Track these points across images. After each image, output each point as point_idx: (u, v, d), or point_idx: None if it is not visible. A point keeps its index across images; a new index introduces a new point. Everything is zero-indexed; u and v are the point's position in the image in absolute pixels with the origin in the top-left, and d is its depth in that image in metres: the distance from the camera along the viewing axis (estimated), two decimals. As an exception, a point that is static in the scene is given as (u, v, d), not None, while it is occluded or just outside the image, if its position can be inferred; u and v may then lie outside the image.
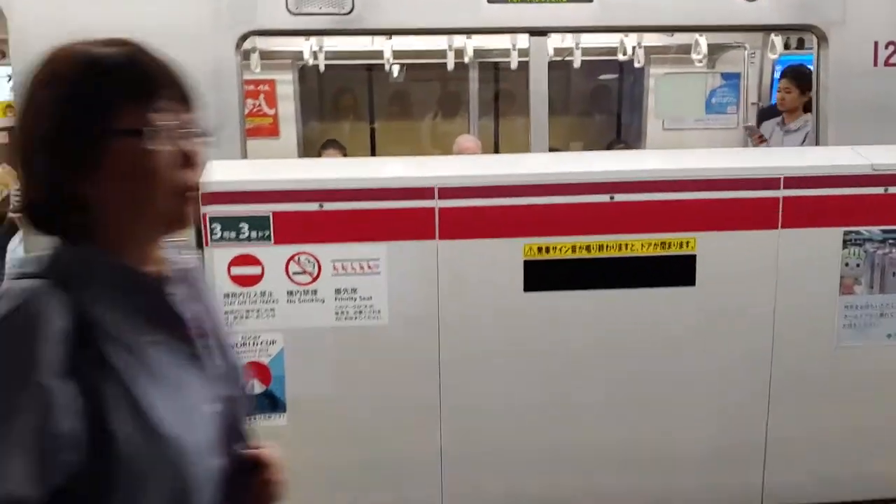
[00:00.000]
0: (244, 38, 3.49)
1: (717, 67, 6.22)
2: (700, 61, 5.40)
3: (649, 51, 5.97)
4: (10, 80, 6.21)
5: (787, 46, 5.85)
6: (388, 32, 4.70)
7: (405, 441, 2.94)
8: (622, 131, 7.16)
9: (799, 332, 2.98)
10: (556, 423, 2.97)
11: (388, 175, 2.92)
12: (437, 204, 2.80)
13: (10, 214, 4.02)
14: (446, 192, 2.80)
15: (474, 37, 5.51)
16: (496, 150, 6.92)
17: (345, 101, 7.38)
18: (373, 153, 7.04)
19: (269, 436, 2.64)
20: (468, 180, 2.83)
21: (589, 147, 6.87)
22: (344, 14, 3.46)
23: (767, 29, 4.61)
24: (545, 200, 2.85)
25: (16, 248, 3.99)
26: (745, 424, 3.03)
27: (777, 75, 5.83)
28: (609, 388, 2.98)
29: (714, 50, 6.26)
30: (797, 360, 2.99)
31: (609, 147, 6.63)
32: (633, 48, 5.65)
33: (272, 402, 2.89)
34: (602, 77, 7.29)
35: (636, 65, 5.87)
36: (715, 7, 3.58)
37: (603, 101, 7.50)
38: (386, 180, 2.84)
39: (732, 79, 6.13)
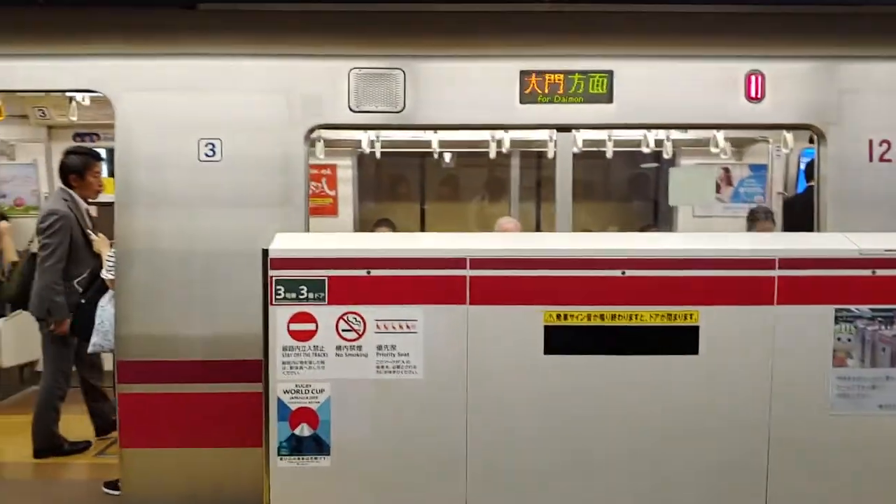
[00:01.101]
0: (312, 130, 4.02)
1: (746, 159, 6.62)
2: (722, 154, 5.81)
3: (679, 143, 6.41)
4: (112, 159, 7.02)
5: (811, 141, 6.20)
6: (434, 128, 5.22)
7: (434, 486, 3.25)
8: (658, 217, 7.53)
9: (795, 400, 3.23)
10: (572, 474, 3.25)
11: (426, 247, 3.32)
12: (468, 273, 3.20)
13: (104, 275, 4.56)
14: (476, 263, 3.20)
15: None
16: (537, 231, 7.35)
17: (398, 185, 7.98)
18: (422, 231, 7.54)
19: (315, 476, 3.06)
20: (495, 253, 3.23)
21: (624, 230, 7.25)
22: (397, 112, 3.99)
23: (770, 127, 4.98)
24: (564, 273, 3.21)
25: (105, 304, 4.51)
26: (745, 484, 3.26)
27: (803, 167, 6.19)
28: (619, 444, 3.26)
29: (742, 143, 6.68)
30: (793, 425, 3.23)
31: (641, 230, 7.01)
32: (662, 141, 6.08)
33: (318, 445, 3.25)
34: (643, 166, 7.72)
35: (665, 156, 6.30)
36: (721, 107, 3.98)
37: (642, 188, 7.91)
38: (424, 251, 3.25)
39: (759, 170, 6.52)
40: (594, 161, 6.99)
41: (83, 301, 4.78)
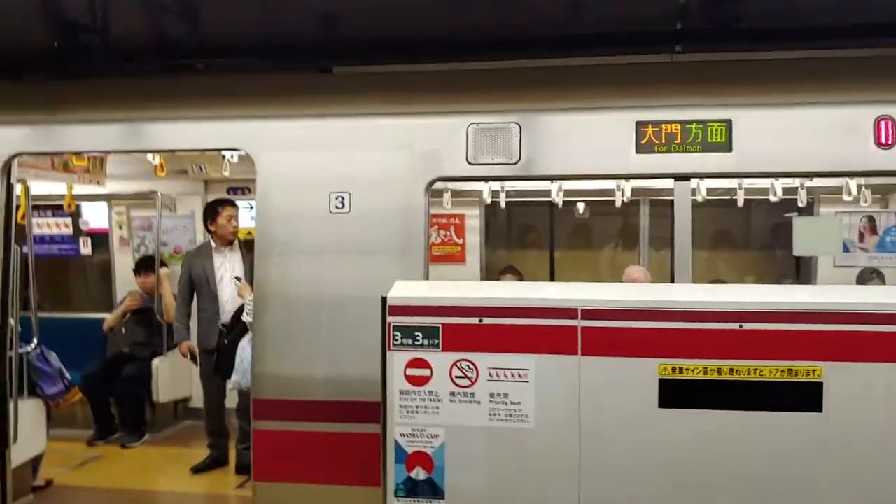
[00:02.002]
0: (432, 183, 4.20)
1: (891, 206, 6.25)
2: (862, 202, 5.51)
3: (817, 191, 6.15)
4: (252, 210, 7.60)
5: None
6: (550, 178, 5.29)
7: None
8: (800, 267, 7.21)
9: None
10: (686, 532, 3.17)
11: (538, 296, 3.37)
12: (579, 323, 3.22)
13: (244, 318, 4.92)
14: (588, 314, 3.22)
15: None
16: (672, 282, 7.20)
17: (527, 233, 8.08)
18: (552, 279, 7.58)
19: (430, 520, 3.14)
20: (607, 304, 3.23)
21: (760, 282, 7.00)
22: (513, 164, 4.11)
23: None
24: (678, 325, 3.17)
25: (245, 345, 4.85)
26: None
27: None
28: (738, 501, 3.15)
29: (888, 189, 6.32)
30: None
31: (777, 281, 6.74)
32: (798, 189, 5.87)
33: (433, 489, 3.32)
34: (787, 214, 7.44)
35: (800, 204, 6.06)
36: (848, 154, 3.84)
37: (784, 237, 7.60)
38: (535, 300, 3.29)
39: (908, 217, 6.14)
40: (732, 210, 6.82)
41: (226, 342, 5.16)
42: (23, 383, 5.19)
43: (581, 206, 7.50)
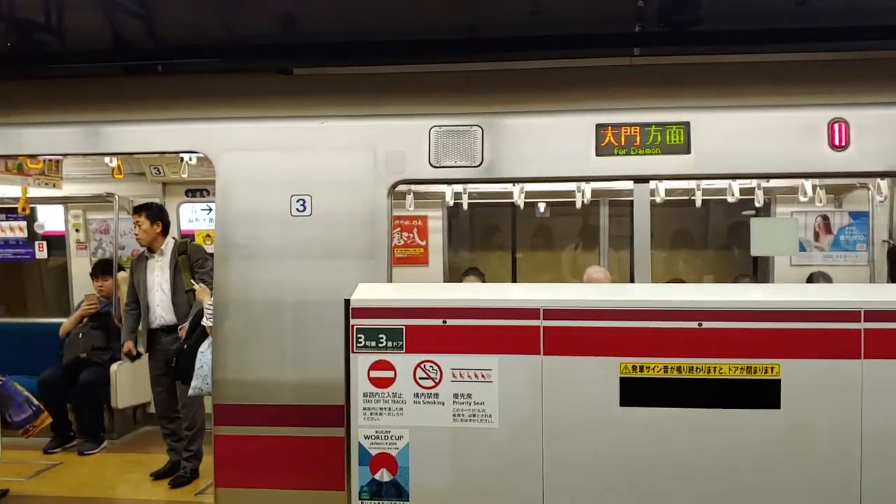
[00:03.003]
0: (395, 185, 4.20)
1: (846, 206, 6.40)
2: (817, 202, 5.65)
3: (774, 191, 6.28)
4: (211, 212, 7.53)
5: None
6: (511, 181, 5.31)
7: None
8: (757, 266, 7.35)
9: (889, 456, 3.11)
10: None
11: (501, 297, 3.40)
12: (542, 323, 3.25)
13: (204, 323, 4.86)
14: (550, 314, 3.26)
15: None
16: (632, 281, 7.30)
17: (490, 235, 8.12)
18: (514, 280, 7.63)
19: (393, 521, 3.14)
20: (569, 303, 3.27)
21: (718, 280, 7.12)
22: (475, 167, 4.12)
23: (853, 175, 4.83)
24: (639, 324, 3.22)
25: (205, 350, 4.79)
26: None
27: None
28: (696, 498, 3.21)
29: (841, 189, 6.47)
30: (888, 482, 3.11)
31: (735, 280, 6.86)
32: (755, 189, 5.98)
33: (398, 490, 3.33)
34: (744, 213, 7.57)
35: (756, 204, 6.18)
36: (802, 156, 3.90)
37: (742, 237, 7.75)
38: (498, 301, 3.32)
39: (861, 217, 6.29)
40: (690, 210, 6.93)
41: (185, 346, 5.10)
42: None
43: (542, 207, 7.56)
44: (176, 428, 6.19)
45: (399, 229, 7.21)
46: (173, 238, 6.30)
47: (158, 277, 6.13)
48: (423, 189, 6.76)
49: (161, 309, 6.11)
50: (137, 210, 6.19)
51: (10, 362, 5.86)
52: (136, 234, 6.14)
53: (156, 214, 6.17)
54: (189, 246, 6.24)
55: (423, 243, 7.34)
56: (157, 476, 6.09)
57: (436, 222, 7.37)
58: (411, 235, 7.32)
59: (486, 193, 6.93)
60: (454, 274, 7.37)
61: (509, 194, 6.58)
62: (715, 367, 3.19)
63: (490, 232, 8.16)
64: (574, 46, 4.03)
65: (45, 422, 5.76)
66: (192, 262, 6.03)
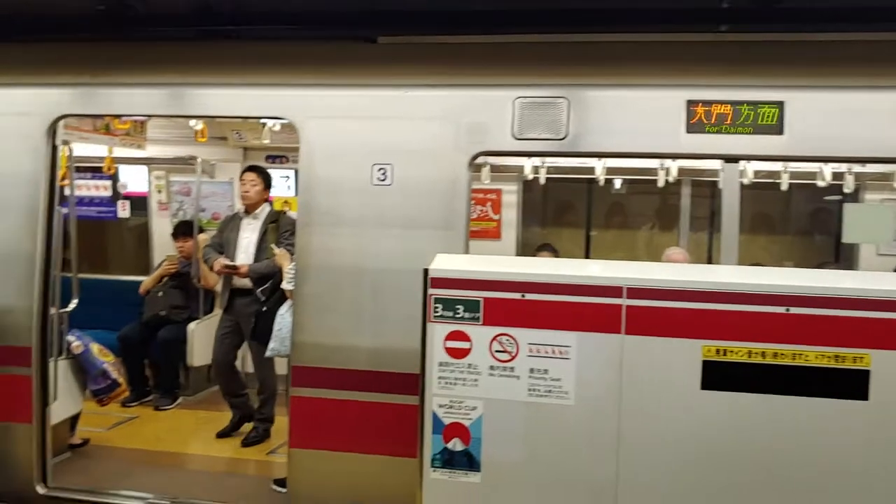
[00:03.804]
0: (476, 157, 4.17)
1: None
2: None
3: (864, 177, 6.02)
4: (289, 179, 7.63)
5: None
6: (597, 155, 5.21)
7: None
8: (839, 253, 7.10)
9: None
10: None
11: (583, 274, 3.35)
12: (624, 302, 3.20)
13: (284, 286, 4.94)
14: (634, 293, 3.20)
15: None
16: (710, 264, 7.14)
17: (565, 211, 8.02)
18: (587, 258, 7.53)
19: (465, 490, 3.16)
20: (654, 283, 3.20)
21: (800, 266, 6.89)
22: (559, 139, 4.06)
23: None
24: (725, 307, 3.14)
25: (284, 313, 4.88)
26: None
27: None
28: (773, 485, 3.13)
29: (942, 177, 6.18)
30: None
31: (819, 267, 6.64)
32: (844, 174, 5.76)
33: (469, 461, 3.34)
34: (827, 198, 7.32)
35: (846, 190, 5.95)
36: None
37: (824, 222, 7.49)
38: (580, 278, 3.27)
39: (961, 208, 5.98)
40: (772, 193, 6.72)
41: (264, 309, 5.19)
42: (62, 345, 5.26)
43: (618, 183, 7.43)
44: (232, 386, 6.34)
45: (473, 202, 7.15)
46: (269, 205, 6.39)
47: (246, 240, 6.23)
48: (500, 162, 6.70)
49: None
50: (254, 169, 6.30)
51: (91, 317, 6.05)
52: (246, 192, 6.19)
53: (268, 181, 6.33)
54: (282, 216, 6.32)
55: (497, 217, 7.30)
56: (221, 434, 6.24)
57: (510, 196, 7.31)
58: (485, 209, 7.28)
59: (563, 168, 6.83)
60: (526, 249, 7.32)
61: (587, 169, 6.48)
62: (801, 354, 3.10)
63: (564, 208, 8.05)
64: (664, 21, 3.92)
65: (121, 395, 5.92)
66: (281, 231, 6.10)
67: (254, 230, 6.23)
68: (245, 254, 6.20)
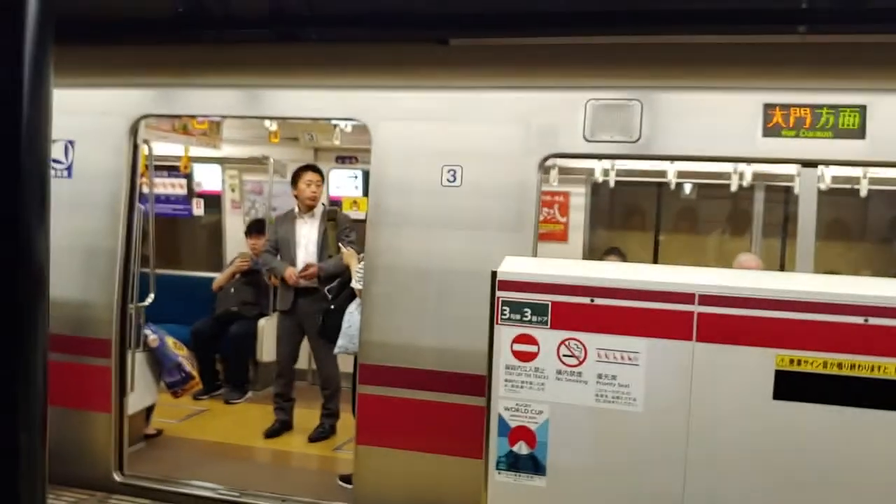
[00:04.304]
0: (546, 159, 4.16)
1: None
2: None
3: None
4: (357, 179, 7.73)
5: None
6: (671, 158, 5.14)
7: None
8: (922, 263, 6.85)
9: None
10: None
11: (654, 279, 3.30)
12: (696, 309, 3.15)
13: (353, 285, 5.02)
14: (706, 300, 3.15)
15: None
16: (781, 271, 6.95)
17: (633, 214, 7.92)
18: (655, 262, 7.42)
19: (530, 494, 3.16)
20: (727, 290, 3.14)
21: (878, 275, 6.66)
22: (632, 142, 4.02)
23: None
24: (800, 316, 3.06)
25: (353, 311, 4.95)
26: None
27: None
28: (849, 502, 3.05)
29: None
30: None
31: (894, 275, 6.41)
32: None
33: (535, 464, 3.34)
34: (908, 204, 7.06)
35: (930, 196, 5.73)
36: None
37: (905, 230, 7.23)
38: (651, 283, 3.23)
39: None
40: (849, 198, 6.51)
41: (332, 307, 5.28)
42: (139, 337, 5.44)
43: (688, 188, 7.31)
44: (287, 390, 6.40)
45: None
46: (323, 204, 6.48)
47: (305, 238, 6.30)
48: (569, 164, 6.66)
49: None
50: (315, 170, 6.37)
51: (166, 312, 6.23)
52: (313, 192, 6.23)
53: (323, 179, 6.43)
54: (339, 214, 6.42)
55: (564, 220, 7.26)
56: (269, 435, 6.28)
57: (577, 199, 7.26)
58: (552, 211, 7.25)
59: (633, 171, 6.75)
60: (593, 253, 7.25)
61: (658, 173, 6.38)
62: (879, 367, 3.00)
63: (632, 211, 7.95)
64: (741, 21, 3.85)
65: (195, 388, 6.07)
66: (340, 229, 6.19)
67: (311, 228, 6.29)
68: (305, 252, 6.25)
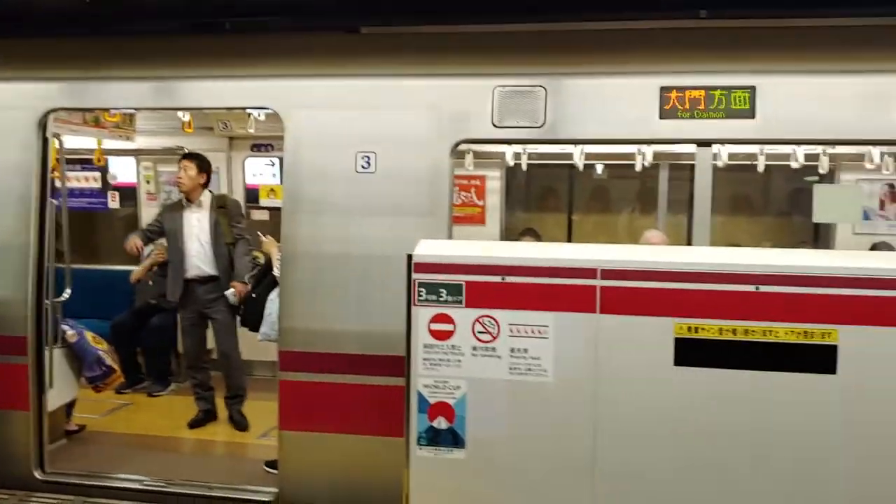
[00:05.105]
0: (457, 144, 4.27)
1: (918, 174, 6.27)
2: (884, 170, 5.55)
3: (839, 158, 6.16)
4: (274, 167, 7.71)
5: None
6: (575, 142, 5.31)
7: (562, 484, 3.39)
8: (818, 234, 7.25)
9: None
10: (696, 485, 3.28)
11: (559, 256, 3.46)
12: (599, 283, 3.32)
13: (275, 272, 5.05)
14: (608, 274, 3.32)
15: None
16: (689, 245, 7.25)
17: (547, 196, 8.14)
18: (569, 242, 7.66)
19: (451, 466, 3.28)
20: (626, 264, 3.32)
21: (778, 247, 7.04)
22: (538, 127, 4.17)
23: None
24: (696, 286, 3.26)
25: (274, 298, 4.98)
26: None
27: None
28: (746, 459, 3.25)
29: (911, 157, 6.32)
30: None
31: (795, 248, 6.79)
32: (819, 156, 5.89)
33: (454, 438, 3.46)
34: (806, 179, 7.43)
35: (820, 171, 6.09)
36: (870, 122, 3.86)
37: (802, 203, 7.62)
38: (557, 261, 3.39)
39: (931, 186, 6.15)
40: (750, 175, 6.84)
41: (253, 295, 5.30)
42: (56, 333, 5.35)
43: (599, 169, 7.55)
44: (204, 378, 6.40)
45: (457, 189, 7.29)
46: (210, 191, 6.35)
47: (196, 228, 6.16)
48: (483, 149, 6.82)
49: (198, 259, 6.13)
50: (188, 157, 6.24)
51: (83, 307, 6.13)
52: (180, 178, 6.11)
53: (204, 165, 6.22)
54: (228, 200, 6.33)
55: (481, 203, 7.42)
56: (193, 425, 6.29)
57: (493, 182, 7.43)
58: (469, 195, 7.40)
59: (545, 154, 6.95)
60: (510, 234, 7.45)
61: (568, 155, 6.60)
62: (771, 331, 3.21)
63: (546, 193, 8.18)
64: (642, 7, 4.02)
65: (116, 381, 6.00)
66: (231, 216, 6.14)
67: (200, 219, 6.17)
68: (198, 242, 6.14)
